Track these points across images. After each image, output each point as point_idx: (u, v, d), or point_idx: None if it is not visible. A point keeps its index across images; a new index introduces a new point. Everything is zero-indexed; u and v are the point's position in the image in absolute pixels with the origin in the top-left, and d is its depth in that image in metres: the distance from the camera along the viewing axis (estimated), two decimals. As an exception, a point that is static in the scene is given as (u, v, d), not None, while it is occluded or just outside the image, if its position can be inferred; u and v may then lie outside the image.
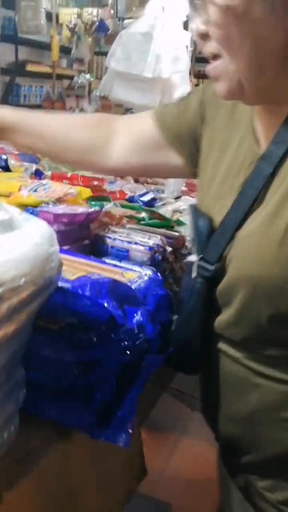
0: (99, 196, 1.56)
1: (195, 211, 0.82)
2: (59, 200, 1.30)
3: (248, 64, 0.65)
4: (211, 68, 0.71)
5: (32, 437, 0.73)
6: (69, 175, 1.69)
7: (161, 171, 1.08)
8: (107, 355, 0.71)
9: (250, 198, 0.74)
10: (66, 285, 0.69)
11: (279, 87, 0.69)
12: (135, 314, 0.72)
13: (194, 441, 1.80)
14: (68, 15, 6.73)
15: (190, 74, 4.00)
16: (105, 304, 0.65)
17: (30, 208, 1.15)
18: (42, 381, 0.72)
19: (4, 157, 1.93)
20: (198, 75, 7.92)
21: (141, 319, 0.72)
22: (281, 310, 0.69)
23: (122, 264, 1.06)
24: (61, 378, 0.70)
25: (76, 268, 0.80)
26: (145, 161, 1.00)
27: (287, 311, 0.68)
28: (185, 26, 3.12)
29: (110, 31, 5.82)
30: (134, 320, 0.71)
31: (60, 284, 0.68)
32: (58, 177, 1.67)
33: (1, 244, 0.56)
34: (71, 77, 7.03)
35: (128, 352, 0.73)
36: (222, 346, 0.80)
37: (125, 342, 0.71)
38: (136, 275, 0.92)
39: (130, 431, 0.70)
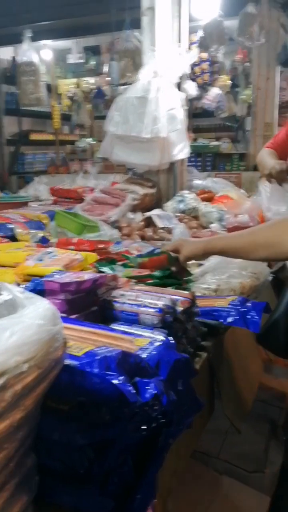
0: (107, 259, 1.56)
1: None
2: (65, 267, 1.30)
3: None
4: None
5: (49, 526, 0.68)
6: (75, 240, 1.70)
7: None
8: (121, 433, 0.67)
9: None
10: (74, 363, 0.66)
11: None
12: (147, 387, 0.68)
13: (225, 505, 1.69)
14: (67, 85, 7.09)
15: (188, 129, 4.13)
16: (114, 381, 0.62)
17: (37, 278, 1.14)
18: (55, 467, 0.68)
19: (10, 226, 1.96)
20: (196, 130, 8.18)
21: (155, 391, 0.68)
22: None
23: (132, 329, 1.03)
24: (75, 463, 0.66)
25: (84, 341, 0.77)
26: None
27: None
28: (178, 87, 3.26)
29: (107, 96, 6.09)
30: (147, 393, 0.68)
31: (67, 361, 0.66)
32: (64, 243, 1.69)
33: (3, 329, 0.54)
34: (73, 142, 7.30)
35: (143, 427, 0.69)
36: None
37: (140, 418, 0.68)
38: (147, 342, 0.89)
39: (152, 516, 0.65)
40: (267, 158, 2.21)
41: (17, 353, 0.52)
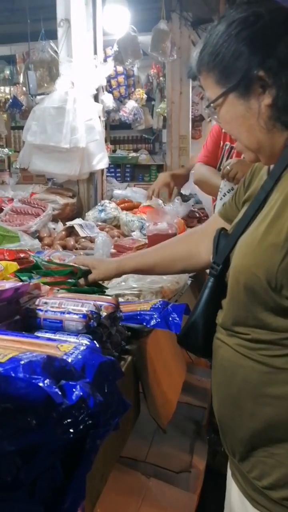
0: (27, 268, 1.53)
1: (219, 232, 1.08)
2: (-15, 278, 1.27)
3: (249, 141, 0.97)
4: (235, 146, 1.09)
5: None
6: (-6, 250, 1.66)
7: None
8: (49, 437, 0.67)
9: (254, 209, 0.98)
10: (-2, 369, 0.66)
11: (276, 144, 0.96)
12: (74, 389, 0.69)
13: (154, 507, 1.72)
14: (-19, 94, 6.89)
15: (106, 141, 4.18)
16: (41, 384, 0.62)
17: None
18: (-20, 478, 0.66)
19: None
20: (114, 141, 8.29)
21: (81, 393, 0.69)
22: (255, 292, 0.90)
23: (57, 336, 1.03)
24: (2, 471, 0.64)
25: (7, 348, 0.76)
26: None
27: (261, 293, 0.89)
28: (96, 98, 3.30)
29: (24, 106, 5.99)
30: (74, 395, 0.68)
31: (-9, 368, 0.65)
32: (-18, 254, 1.63)
33: None
34: (-12, 152, 7.07)
35: (71, 430, 0.69)
36: (220, 336, 1.03)
37: (67, 420, 0.68)
38: (72, 346, 0.89)
39: (82, 516, 0.65)
40: (214, 178, 2.27)
41: None
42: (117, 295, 1.54)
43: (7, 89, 6.69)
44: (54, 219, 2.92)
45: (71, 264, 1.50)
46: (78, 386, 0.70)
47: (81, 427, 0.72)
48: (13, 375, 0.64)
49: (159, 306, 1.38)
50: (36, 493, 0.67)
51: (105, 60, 3.70)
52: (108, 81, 5.40)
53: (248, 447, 0.96)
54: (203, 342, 1.08)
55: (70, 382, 0.71)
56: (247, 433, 0.95)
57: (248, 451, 0.96)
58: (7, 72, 6.94)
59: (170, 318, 1.32)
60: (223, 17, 0.95)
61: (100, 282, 1.50)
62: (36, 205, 2.83)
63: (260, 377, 0.92)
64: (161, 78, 6.84)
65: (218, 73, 0.95)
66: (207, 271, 1.12)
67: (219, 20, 0.96)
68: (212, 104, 0.99)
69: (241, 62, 0.91)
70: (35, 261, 1.52)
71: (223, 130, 2.34)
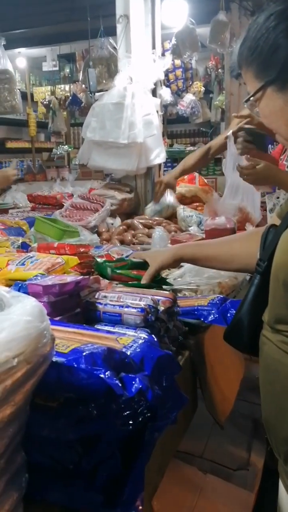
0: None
1: (268, 229, 1.07)
2: (47, 271, 1.31)
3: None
4: (277, 138, 1.05)
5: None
6: (55, 244, 1.71)
7: None
8: (109, 428, 0.68)
9: None
10: (61, 360, 0.68)
11: None
12: (133, 382, 0.70)
13: (211, 503, 1.71)
14: (42, 93, 7.11)
15: (163, 135, 4.18)
16: (102, 376, 0.64)
17: (20, 282, 1.15)
18: (44, 463, 0.69)
19: (-11, 233, 1.95)
20: (171, 135, 8.27)
21: (140, 385, 0.70)
22: None
23: (116, 329, 1.05)
24: (64, 459, 0.67)
25: (69, 340, 0.79)
26: None
27: None
28: (154, 93, 3.30)
29: (83, 103, 6.10)
30: (133, 388, 0.70)
31: (54, 359, 0.67)
32: (45, 248, 1.69)
33: (-9, 326, 0.56)
34: (50, 150, 7.30)
35: (130, 422, 0.71)
36: (266, 332, 0.99)
37: (126, 412, 0.69)
38: (131, 340, 0.90)
39: (141, 507, 0.66)
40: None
41: (6, 349, 0.53)
42: (174, 290, 1.54)
43: (67, 87, 6.85)
44: (112, 214, 2.96)
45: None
46: (137, 379, 0.72)
47: (140, 419, 0.73)
48: (75, 365, 0.66)
49: (217, 301, 1.37)
50: (96, 482, 0.68)
51: (163, 54, 3.69)
52: (166, 75, 5.38)
53: None
54: (248, 339, 1.06)
55: (130, 375, 0.72)
56: None
57: None
58: (67, 70, 7.10)
59: (228, 314, 1.30)
60: (263, 10, 0.95)
61: (162, 275, 1.51)
62: (95, 201, 2.89)
63: None
64: (219, 70, 6.72)
65: (257, 67, 0.95)
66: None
67: (259, 14, 0.95)
68: (251, 98, 0.99)
69: (279, 55, 0.90)
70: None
71: None
